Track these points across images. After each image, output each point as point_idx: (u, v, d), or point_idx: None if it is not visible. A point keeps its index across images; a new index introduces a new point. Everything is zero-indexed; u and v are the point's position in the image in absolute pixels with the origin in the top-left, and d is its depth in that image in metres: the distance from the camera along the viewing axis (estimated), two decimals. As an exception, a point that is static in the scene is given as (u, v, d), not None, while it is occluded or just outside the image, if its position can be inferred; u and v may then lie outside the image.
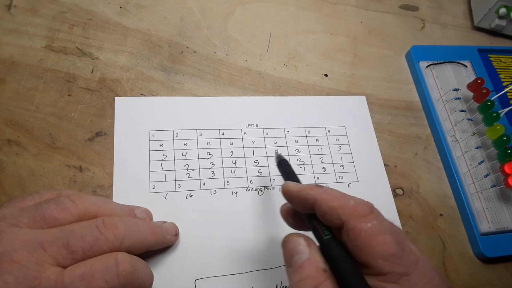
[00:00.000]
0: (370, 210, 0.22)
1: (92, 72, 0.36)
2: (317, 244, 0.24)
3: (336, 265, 0.21)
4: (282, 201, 0.33)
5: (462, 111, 0.41)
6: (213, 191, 0.33)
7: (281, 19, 0.44)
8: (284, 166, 0.30)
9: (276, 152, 0.33)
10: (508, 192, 0.37)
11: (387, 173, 0.37)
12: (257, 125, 0.36)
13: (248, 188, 0.34)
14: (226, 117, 0.36)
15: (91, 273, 0.21)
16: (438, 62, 0.43)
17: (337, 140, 0.38)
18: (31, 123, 0.32)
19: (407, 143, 0.39)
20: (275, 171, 0.35)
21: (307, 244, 0.23)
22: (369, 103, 0.40)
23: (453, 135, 0.40)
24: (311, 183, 0.27)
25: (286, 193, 0.26)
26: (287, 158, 0.33)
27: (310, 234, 0.24)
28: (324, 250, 0.23)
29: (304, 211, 0.25)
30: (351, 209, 0.22)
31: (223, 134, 0.35)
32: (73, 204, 0.24)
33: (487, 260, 0.35)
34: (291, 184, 0.26)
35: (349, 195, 0.24)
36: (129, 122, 0.34)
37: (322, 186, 0.25)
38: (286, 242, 0.24)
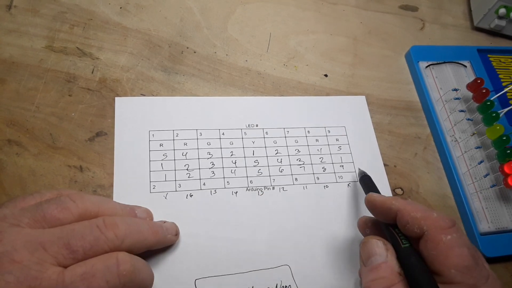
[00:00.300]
0: (452, 224, 0.24)
1: (92, 72, 0.36)
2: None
3: (412, 271, 0.23)
4: (282, 201, 0.34)
5: (461, 111, 0.41)
6: (213, 191, 0.33)
7: (281, 19, 0.44)
8: (366, 182, 0.33)
9: (359, 169, 0.35)
10: (507, 192, 0.37)
11: (387, 173, 0.37)
12: (257, 125, 0.37)
13: (248, 188, 0.34)
14: (226, 117, 0.36)
15: (92, 272, 0.21)
16: (438, 62, 0.43)
17: (337, 140, 0.38)
18: (31, 123, 0.32)
19: (407, 143, 0.39)
20: (275, 171, 0.35)
21: (385, 248, 0.25)
22: (369, 103, 0.40)
23: (453, 135, 0.40)
24: (395, 196, 0.29)
25: (370, 202, 0.28)
26: (367, 173, 0.34)
27: None
28: (401, 257, 0.24)
29: (385, 221, 0.27)
30: (434, 220, 0.24)
31: (223, 134, 0.35)
32: (73, 204, 0.24)
33: (486, 260, 0.35)
34: (376, 195, 0.28)
35: (432, 209, 0.25)
36: (130, 122, 0.34)
37: (406, 199, 0.27)
38: (365, 243, 0.26)
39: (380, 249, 0.25)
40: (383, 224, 0.27)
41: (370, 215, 0.29)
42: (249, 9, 0.43)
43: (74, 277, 0.21)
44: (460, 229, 0.24)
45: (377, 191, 0.31)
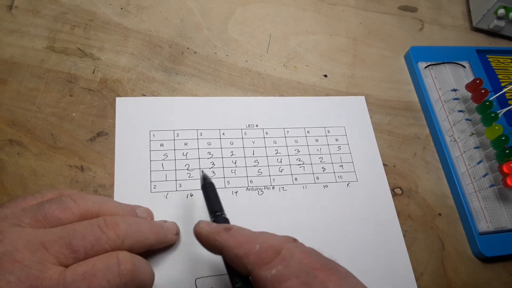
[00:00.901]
0: (276, 253, 0.21)
1: (93, 73, 0.36)
2: None
3: None
4: (282, 201, 0.34)
5: (460, 111, 0.41)
6: (213, 191, 0.33)
7: (281, 20, 0.44)
8: (208, 190, 0.28)
9: (203, 172, 0.30)
10: (506, 192, 0.38)
11: (386, 173, 0.37)
12: (257, 125, 0.37)
13: (248, 188, 0.34)
14: (226, 117, 0.36)
15: (93, 272, 0.21)
16: (437, 62, 0.44)
17: (337, 140, 0.38)
18: (32, 123, 0.33)
19: (406, 143, 0.40)
20: (275, 170, 0.35)
21: None
22: (368, 103, 0.41)
23: (452, 135, 0.40)
24: (221, 225, 0.24)
25: (197, 235, 0.25)
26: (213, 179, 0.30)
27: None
28: None
29: (218, 255, 0.24)
30: (255, 256, 0.21)
31: (223, 134, 0.36)
32: (74, 204, 0.24)
33: (485, 260, 0.35)
34: (203, 225, 0.24)
35: (260, 236, 0.22)
36: (130, 122, 0.34)
37: (230, 229, 0.23)
38: None
39: None
40: (222, 259, 0.24)
41: None
42: (249, 10, 0.43)
43: (75, 277, 0.21)
44: (286, 257, 0.21)
45: (219, 206, 0.27)
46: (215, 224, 0.25)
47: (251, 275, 0.21)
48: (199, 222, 0.25)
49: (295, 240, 0.24)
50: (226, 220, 0.27)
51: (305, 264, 0.21)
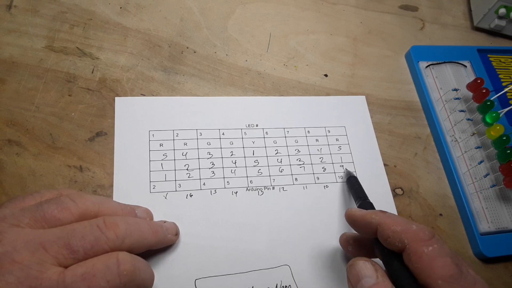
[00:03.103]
0: (431, 235, 0.24)
1: (92, 72, 0.36)
2: (383, 269, 0.25)
3: (402, 286, 0.23)
4: (282, 201, 0.34)
5: (461, 111, 0.41)
6: (213, 191, 0.33)
7: (281, 19, 0.44)
8: (353, 183, 0.33)
9: (347, 169, 0.35)
10: (507, 192, 0.37)
11: (387, 173, 0.37)
12: (257, 125, 0.37)
13: (248, 188, 0.34)
14: (226, 117, 0.36)
15: (93, 272, 0.21)
16: (438, 62, 0.43)
17: (337, 140, 0.38)
18: (31, 123, 0.32)
19: (407, 143, 0.39)
20: (275, 171, 0.35)
21: (374, 269, 0.24)
22: (369, 103, 0.40)
23: (453, 135, 0.40)
24: (375, 210, 0.28)
25: (350, 216, 0.27)
26: (354, 174, 0.35)
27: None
28: (391, 273, 0.24)
29: (366, 235, 0.27)
30: (414, 233, 0.24)
31: (223, 134, 0.35)
32: (73, 204, 0.24)
33: (486, 260, 0.35)
34: (355, 209, 0.28)
35: (412, 221, 0.25)
36: (130, 122, 0.34)
37: (385, 212, 0.26)
38: (352, 266, 0.25)
39: (369, 270, 0.24)
40: (374, 240, 0.27)
41: (352, 230, 0.29)
42: (249, 9, 0.43)
43: (75, 277, 0.21)
44: (440, 240, 0.24)
45: (363, 194, 0.32)
46: (365, 210, 0.27)
47: (407, 249, 0.24)
48: (350, 208, 0.28)
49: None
50: (371, 205, 0.30)
51: (452, 250, 0.24)
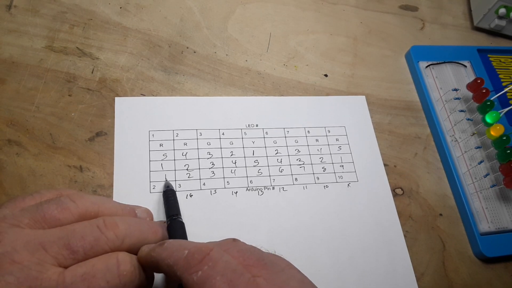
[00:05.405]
0: (203, 255, 0.21)
1: (92, 72, 0.36)
2: None
3: None
4: (282, 201, 0.34)
5: (461, 111, 0.41)
6: (213, 191, 0.33)
7: (281, 19, 0.44)
8: (168, 197, 0.29)
9: (166, 181, 0.32)
10: (507, 192, 0.37)
11: (387, 173, 0.37)
12: (257, 125, 0.37)
13: (248, 188, 0.34)
14: (226, 117, 0.36)
15: (92, 273, 0.21)
16: (438, 62, 0.43)
17: (337, 140, 0.38)
18: (31, 123, 0.32)
19: (407, 143, 0.39)
20: (275, 171, 0.35)
21: None
22: (369, 103, 0.40)
23: (453, 135, 0.40)
24: (159, 243, 0.24)
25: (138, 260, 0.24)
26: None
27: None
28: None
29: (159, 271, 0.24)
30: (184, 262, 0.21)
31: (223, 134, 0.35)
32: (73, 204, 0.24)
33: (486, 260, 0.35)
34: (143, 248, 0.24)
35: (192, 243, 0.22)
36: (129, 122, 0.34)
37: (164, 243, 0.23)
38: None
39: None
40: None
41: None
42: (249, 9, 0.43)
43: (75, 278, 0.21)
44: (214, 256, 0.21)
45: (176, 211, 0.28)
46: (154, 244, 0.24)
47: (182, 282, 0.21)
48: (142, 247, 0.24)
49: (234, 240, 0.24)
50: (181, 224, 0.27)
51: (234, 262, 0.21)
